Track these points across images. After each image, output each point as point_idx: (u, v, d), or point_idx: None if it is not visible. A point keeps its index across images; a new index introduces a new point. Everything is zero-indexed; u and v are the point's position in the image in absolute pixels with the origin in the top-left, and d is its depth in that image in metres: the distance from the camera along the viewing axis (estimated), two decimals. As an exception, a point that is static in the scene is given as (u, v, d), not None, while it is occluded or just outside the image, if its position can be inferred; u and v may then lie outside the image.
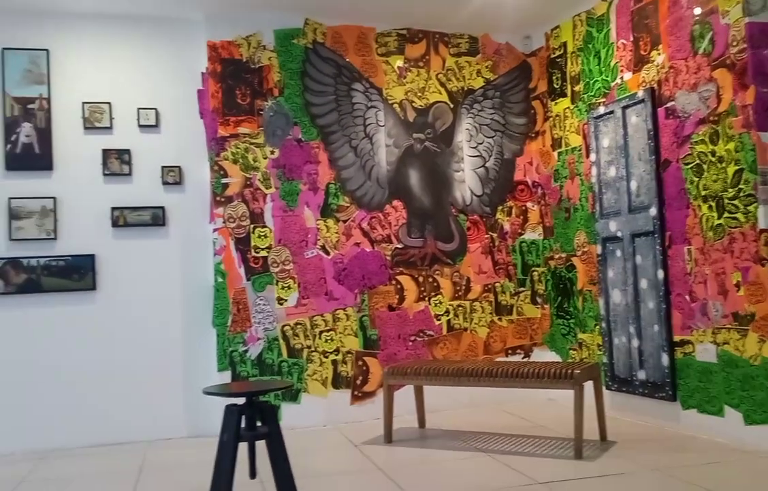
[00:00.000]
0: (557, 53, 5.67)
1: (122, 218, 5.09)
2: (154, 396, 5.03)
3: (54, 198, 4.98)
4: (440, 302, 5.58)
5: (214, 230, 5.14)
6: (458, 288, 5.64)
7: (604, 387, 4.54)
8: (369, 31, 5.56)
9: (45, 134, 5.01)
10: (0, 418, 4.77)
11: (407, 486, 3.61)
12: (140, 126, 5.18)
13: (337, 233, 5.37)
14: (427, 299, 5.56)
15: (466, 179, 5.73)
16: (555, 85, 5.72)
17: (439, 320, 5.57)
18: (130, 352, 5.02)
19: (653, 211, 4.60)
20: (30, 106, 5.00)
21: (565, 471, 3.76)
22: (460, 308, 5.64)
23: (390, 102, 5.57)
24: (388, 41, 5.61)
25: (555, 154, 5.72)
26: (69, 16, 5.08)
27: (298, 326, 5.23)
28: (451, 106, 5.72)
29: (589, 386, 4.16)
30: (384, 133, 5.54)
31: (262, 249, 5.21)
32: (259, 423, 2.75)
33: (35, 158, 4.98)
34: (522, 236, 5.84)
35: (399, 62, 5.62)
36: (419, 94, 5.65)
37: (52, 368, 4.89)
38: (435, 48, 5.72)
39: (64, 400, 4.88)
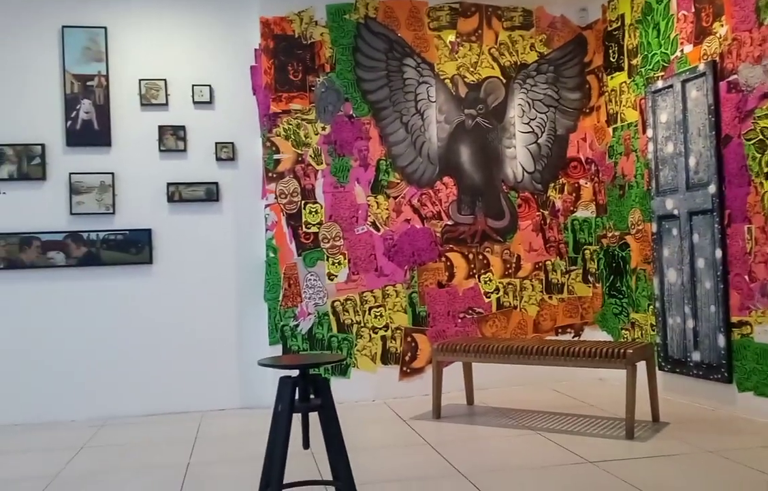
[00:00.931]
0: (614, 26, 5.53)
1: (177, 194, 5.19)
2: (209, 368, 5.15)
3: (112, 173, 5.10)
4: (490, 280, 5.55)
5: (266, 205, 5.21)
6: (508, 266, 5.60)
7: (657, 368, 4.46)
8: (421, 5, 5.51)
9: (103, 111, 5.13)
10: (62, 386, 4.96)
11: (457, 462, 3.63)
12: (195, 103, 5.26)
13: (387, 209, 5.38)
14: (476, 276, 5.53)
15: (518, 156, 5.66)
16: (611, 59, 5.59)
17: (488, 297, 5.54)
18: (185, 324, 5.14)
19: (712, 188, 4.47)
20: (89, 83, 5.12)
21: (617, 451, 3.72)
22: (510, 286, 5.60)
23: (441, 77, 5.52)
24: (440, 15, 5.56)
25: (610, 130, 5.60)
26: (126, -6, 5.18)
27: (348, 302, 5.27)
28: (504, 81, 5.65)
29: (641, 366, 4.10)
30: (435, 109, 5.51)
31: (313, 225, 5.26)
32: (312, 396, 2.79)
33: (94, 134, 5.11)
34: (574, 214, 5.76)
35: (451, 37, 5.56)
36: (471, 69, 5.59)
37: (110, 339, 5.05)
38: (488, 22, 5.64)
39: (123, 370, 5.04)
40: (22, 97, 5.03)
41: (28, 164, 5.00)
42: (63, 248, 5.01)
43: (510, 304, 5.58)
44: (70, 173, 5.05)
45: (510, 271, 5.60)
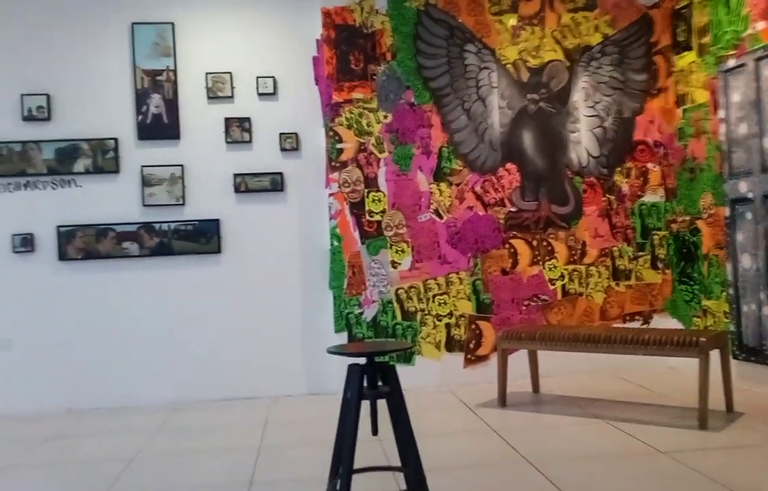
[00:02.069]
0: (682, 4, 5.36)
1: (244, 184, 5.31)
2: (276, 355, 5.26)
3: (182, 166, 5.25)
4: (555, 267, 5.49)
5: (330, 194, 5.27)
6: (573, 252, 5.52)
7: (731, 356, 4.33)
8: (482, -10, 5.46)
9: (172, 105, 5.27)
10: (138, 371, 5.15)
11: (524, 450, 3.62)
12: (259, 94, 5.35)
13: (450, 196, 5.37)
14: (541, 263, 5.47)
15: (583, 140, 5.56)
16: (679, 39, 5.42)
17: (553, 284, 5.48)
18: (253, 312, 5.26)
19: (789, 170, 4.30)
20: (158, 78, 5.27)
21: (689, 441, 3.64)
22: (576, 273, 5.52)
23: (503, 62, 5.47)
24: None
25: (679, 111, 5.45)
26: (192, -10, 5.31)
27: (412, 290, 5.29)
28: (567, 64, 5.55)
29: (715, 355, 3.99)
30: (497, 94, 5.46)
31: (377, 213, 5.29)
32: (380, 383, 2.82)
33: (164, 127, 5.26)
34: (642, 199, 5.62)
35: (512, 21, 5.49)
36: (533, 53, 5.51)
37: (182, 326, 5.21)
38: (550, 4, 5.54)
39: (195, 356, 5.20)
40: (95, 94, 5.21)
41: (103, 158, 5.19)
42: (136, 239, 5.19)
43: (576, 291, 5.51)
44: (142, 166, 5.21)
45: (575, 257, 5.52)
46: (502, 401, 4.62)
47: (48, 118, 5.14)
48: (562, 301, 5.49)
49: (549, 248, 5.49)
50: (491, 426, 4.13)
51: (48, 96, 5.14)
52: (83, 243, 5.14)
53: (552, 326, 4.97)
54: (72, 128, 5.17)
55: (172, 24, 5.28)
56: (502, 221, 5.43)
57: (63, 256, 5.13)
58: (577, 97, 5.55)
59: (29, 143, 5.12)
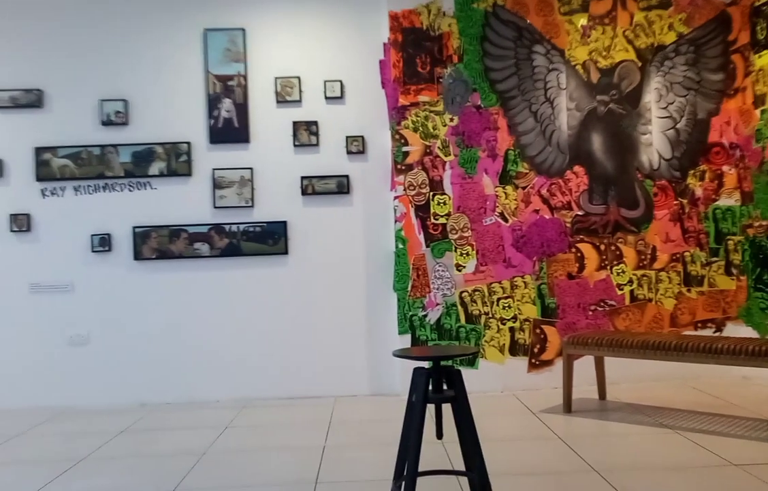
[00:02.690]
0: (762, 1, 5.17)
1: (311, 187, 5.40)
2: (340, 355, 5.33)
3: (251, 169, 5.38)
4: (623, 272, 5.37)
5: (395, 197, 5.30)
6: (643, 257, 5.39)
7: (811, 368, 4.15)
8: (550, -10, 5.40)
9: (242, 109, 5.41)
10: (206, 369, 5.30)
11: (590, 459, 3.56)
12: (326, 98, 5.43)
13: (515, 200, 5.33)
14: (608, 267, 5.37)
15: (654, 142, 5.42)
16: (759, 37, 5.23)
17: (621, 290, 5.37)
18: (318, 313, 5.35)
19: None
20: (229, 83, 5.41)
21: (764, 454, 3.51)
22: (645, 278, 5.39)
23: (572, 63, 5.39)
24: None
25: (757, 112, 5.25)
26: (262, -3, 5.43)
27: (476, 293, 5.28)
28: (639, 64, 5.42)
29: (794, 366, 3.83)
30: (565, 96, 5.38)
31: (441, 216, 5.30)
32: (445, 387, 2.83)
33: (234, 131, 5.40)
34: (716, 203, 5.45)
35: (583, 21, 5.41)
36: (604, 53, 5.41)
37: (250, 325, 5.33)
38: (622, 3, 5.43)
39: (262, 355, 5.32)
40: (170, 99, 5.39)
41: (176, 161, 5.36)
42: (207, 240, 5.34)
43: (645, 297, 5.38)
44: (214, 169, 5.36)
45: (645, 262, 5.39)
46: (568, 407, 4.56)
47: (125, 123, 5.35)
48: (631, 307, 5.37)
49: (617, 252, 5.38)
50: (556, 432, 4.08)
51: (125, 101, 5.35)
52: (157, 243, 5.33)
53: (620, 333, 4.87)
54: (148, 132, 5.36)
55: (243, 30, 5.41)
56: (568, 225, 5.35)
57: (138, 256, 5.33)
58: (649, 98, 5.42)
59: (108, 146, 5.33)
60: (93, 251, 5.32)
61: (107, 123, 5.34)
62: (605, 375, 4.87)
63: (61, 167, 5.32)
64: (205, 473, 3.61)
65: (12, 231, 5.30)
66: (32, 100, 5.31)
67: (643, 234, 5.40)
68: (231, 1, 5.41)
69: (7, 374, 5.26)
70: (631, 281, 5.37)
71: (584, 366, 4.91)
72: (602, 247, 5.37)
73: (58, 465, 3.78)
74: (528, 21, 5.37)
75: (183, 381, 5.30)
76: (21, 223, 5.29)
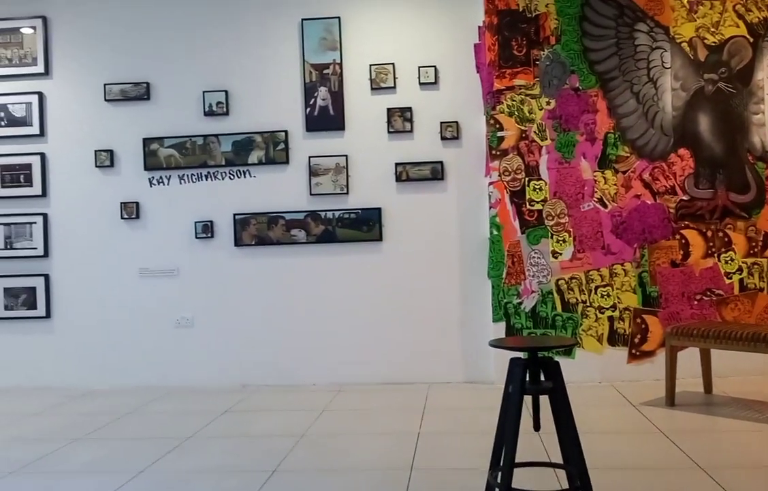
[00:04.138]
0: None
1: (405, 173, 5.41)
2: (434, 342, 5.34)
3: (346, 156, 5.44)
4: (732, 259, 5.11)
5: (490, 183, 5.24)
6: (754, 244, 5.11)
7: None
8: (654, -35, 5.16)
9: (338, 97, 5.48)
10: (303, 353, 5.44)
11: (695, 455, 3.42)
12: (421, 84, 5.42)
13: (615, 184, 5.16)
14: (716, 255, 5.12)
15: (767, 122, 5.11)
16: None
17: (729, 278, 5.11)
18: (412, 299, 5.37)
19: None
20: (325, 71, 5.49)
21: None
22: (756, 266, 5.10)
23: (678, 41, 5.14)
24: (675, -25, 5.17)
25: None
26: (357, -16, 5.46)
27: (573, 280, 5.15)
28: (751, 40, 5.11)
29: None
30: (670, 75, 5.15)
31: (537, 202, 5.19)
32: (542, 378, 2.79)
33: (330, 119, 5.48)
34: (837, 186, 5.09)
35: (688, -3, 5.15)
36: (712, 29, 5.13)
37: (345, 311, 5.42)
38: (732, -23, 5.14)
39: (357, 340, 5.40)
40: (268, 89, 5.53)
41: (274, 150, 5.50)
42: (304, 226, 5.46)
43: (756, 286, 5.10)
44: (310, 157, 5.47)
45: (756, 250, 5.10)
46: (671, 400, 4.39)
47: (226, 113, 5.53)
48: (740, 296, 5.10)
49: (725, 239, 5.12)
50: (658, 426, 3.94)
51: (226, 92, 5.53)
52: (256, 230, 5.49)
53: (728, 324, 4.64)
54: (247, 121, 5.53)
55: (339, 18, 5.46)
56: (672, 211, 5.13)
57: (238, 242, 5.51)
58: (762, 75, 5.10)
59: (210, 136, 5.53)
60: (197, 238, 5.55)
61: (209, 114, 5.54)
62: (711, 367, 4.65)
63: (167, 157, 5.56)
64: (303, 455, 3.71)
65: (123, 218, 5.60)
66: (140, 93, 5.58)
67: (754, 220, 5.11)
68: (327, -10, 5.48)
69: (119, 354, 5.58)
70: (740, 270, 5.10)
71: (688, 358, 4.72)
72: (709, 233, 5.12)
73: (167, 442, 3.99)
74: (630, -2, 5.16)
75: (281, 364, 5.45)
76: (131, 210, 5.58)
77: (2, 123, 5.66)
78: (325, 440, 3.97)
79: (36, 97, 5.65)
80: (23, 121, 5.65)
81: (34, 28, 5.64)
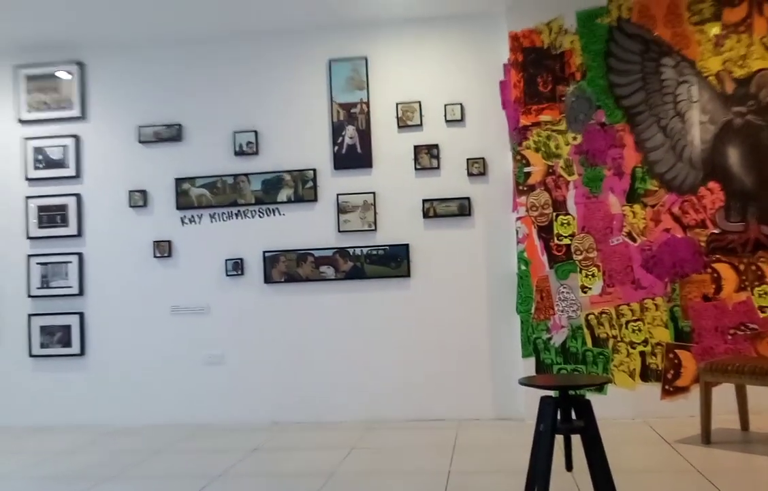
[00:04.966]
0: None
1: (432, 210, 5.44)
2: (463, 378, 5.32)
3: (373, 193, 5.50)
4: (766, 293, 5.02)
5: (517, 218, 5.25)
6: (788, 277, 5.03)
7: None
8: None
9: (365, 135, 5.55)
10: (334, 389, 5.45)
11: (732, 495, 3.36)
12: (447, 121, 5.47)
13: (644, 218, 5.13)
14: (749, 289, 5.04)
15: (799, 154, 5.06)
16: None
17: (764, 312, 5.02)
18: (441, 335, 5.37)
19: None
20: (352, 110, 5.57)
21: None
22: (791, 300, 5.02)
23: (704, 75, 5.13)
24: (702, 8, 5.17)
25: None
26: (384, 24, 5.54)
27: (603, 315, 5.11)
28: (779, 72, 5.09)
29: None
30: (698, 109, 5.13)
31: (565, 237, 5.18)
32: (574, 416, 2.77)
33: (357, 157, 5.55)
34: None
35: (715, 29, 5.14)
36: (739, 62, 5.12)
37: (374, 347, 5.44)
38: (758, 8, 5.12)
39: (386, 377, 5.40)
40: (296, 128, 5.62)
41: (303, 188, 5.57)
42: (332, 263, 5.50)
43: (791, 320, 5.01)
44: (338, 194, 5.53)
45: (790, 283, 5.02)
46: (706, 438, 4.31)
47: (256, 153, 5.63)
48: (776, 331, 5.01)
49: (759, 272, 5.04)
50: (694, 464, 3.87)
51: (256, 132, 5.63)
52: (285, 267, 5.55)
53: (763, 359, 4.55)
54: (276, 160, 5.62)
55: (366, 58, 5.56)
56: (703, 244, 5.08)
57: (268, 279, 5.57)
58: (792, 107, 5.06)
59: (240, 175, 5.63)
60: (227, 275, 5.62)
61: (239, 153, 5.64)
62: (747, 403, 4.56)
63: (198, 196, 5.66)
64: (333, 493, 3.71)
65: (155, 257, 5.70)
66: (173, 135, 5.71)
67: (788, 253, 5.03)
68: (354, 32, 5.57)
69: (150, 391, 5.64)
70: (774, 304, 5.02)
71: (723, 393, 4.63)
72: (741, 267, 5.05)
73: (197, 481, 4.01)
74: (655, 33, 5.18)
75: (311, 401, 5.47)
76: (163, 249, 5.68)
77: (40, 165, 5.83)
78: (355, 479, 3.96)
79: (72, 140, 5.81)
80: (60, 163, 5.81)
81: (71, 73, 5.82)
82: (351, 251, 5.49)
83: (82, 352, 5.74)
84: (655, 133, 5.17)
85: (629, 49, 5.21)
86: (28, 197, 5.83)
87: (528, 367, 5.12)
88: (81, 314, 5.75)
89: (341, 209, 5.52)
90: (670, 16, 5.18)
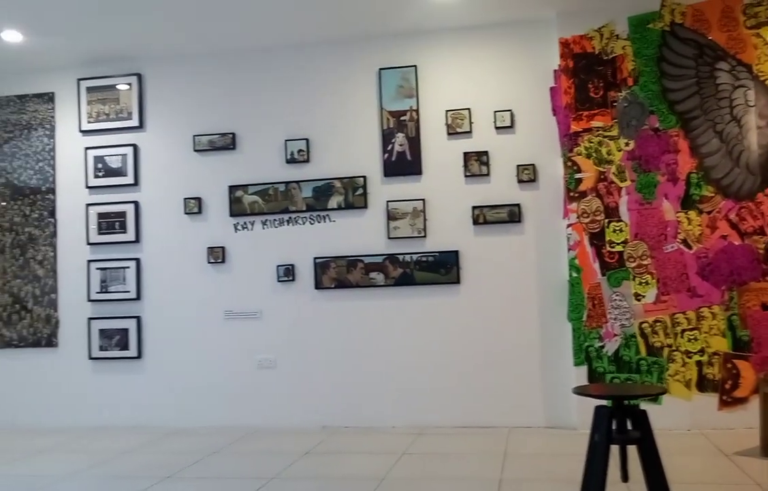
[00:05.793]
0: None
1: (482, 216, 5.44)
2: (513, 385, 5.30)
3: (423, 200, 5.52)
4: (828, 302, 4.89)
5: (568, 225, 5.21)
6: None
7: None
8: (735, 3, 5.07)
9: (415, 143, 5.58)
10: (382, 395, 5.49)
11: (794, 509, 3.28)
12: (497, 128, 5.47)
13: (700, 225, 5.04)
14: (810, 297, 4.91)
15: None
16: None
17: (826, 321, 4.88)
18: (491, 342, 5.36)
19: None
20: (402, 118, 5.61)
21: None
22: None
23: (762, 79, 5.02)
24: (758, 11, 5.05)
25: None
26: (433, 33, 5.57)
27: (658, 324, 5.03)
28: (842, 75, 4.95)
29: None
30: (755, 113, 5.02)
31: (618, 244, 5.12)
32: (629, 426, 2.75)
33: (407, 164, 5.58)
34: None
35: (773, 33, 5.03)
36: (799, 65, 4.99)
37: (423, 353, 5.46)
38: (819, 11, 4.99)
39: (435, 383, 5.42)
40: (347, 136, 5.69)
41: (353, 195, 5.63)
42: (382, 269, 5.55)
43: None
44: (387, 201, 5.57)
45: None
46: (766, 450, 4.21)
47: (307, 161, 5.72)
48: (839, 341, 4.86)
49: (820, 281, 4.91)
50: (753, 477, 3.79)
51: (307, 140, 5.72)
52: (336, 273, 5.61)
53: (826, 370, 4.43)
54: (327, 168, 5.69)
55: (415, 67, 5.59)
56: (762, 252, 4.96)
57: (318, 285, 5.64)
58: None
59: (291, 183, 5.72)
60: (279, 281, 5.71)
61: (291, 161, 5.73)
62: (809, 416, 4.44)
63: (251, 203, 5.78)
64: (385, 498, 3.74)
65: (209, 262, 5.83)
66: (227, 143, 5.84)
67: None
68: (403, 41, 5.62)
69: (205, 394, 5.77)
70: (837, 313, 4.88)
71: (783, 406, 4.52)
72: (802, 275, 4.92)
73: (252, 483, 4.09)
74: (710, 37, 5.09)
75: (361, 406, 5.52)
76: (217, 255, 5.81)
77: (100, 174, 6.02)
78: (406, 485, 3.99)
79: (131, 149, 5.99)
80: (119, 172, 6.00)
81: (129, 85, 6.01)
82: (401, 257, 5.53)
83: (139, 355, 5.90)
84: (710, 138, 5.08)
85: (683, 53, 5.13)
86: (88, 205, 6.03)
87: (580, 375, 5.07)
88: (138, 318, 5.92)
89: (391, 216, 5.56)
90: (724, 20, 5.08)
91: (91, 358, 5.97)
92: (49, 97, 6.15)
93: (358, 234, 5.61)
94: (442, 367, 5.42)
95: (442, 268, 5.47)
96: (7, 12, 5.01)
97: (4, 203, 6.16)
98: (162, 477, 4.30)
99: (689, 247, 5.04)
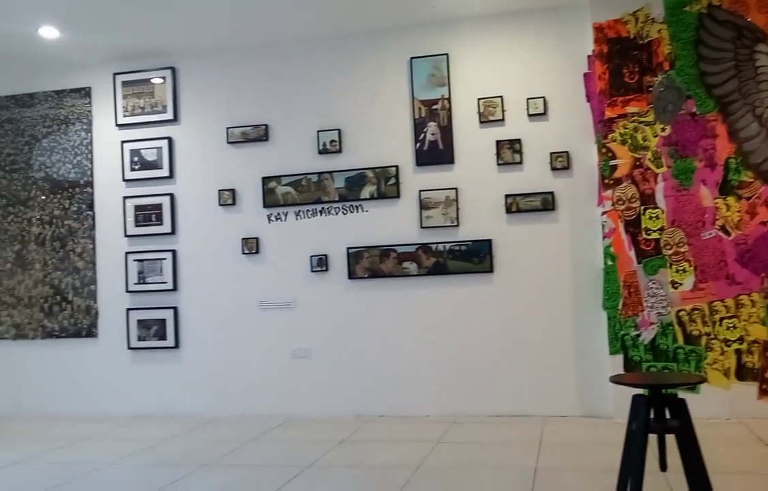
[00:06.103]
0: None
1: (515, 205, 5.41)
2: (548, 374, 5.27)
3: (456, 189, 5.51)
4: None
5: (603, 212, 5.15)
6: None
7: None
8: (775, -17, 4.96)
9: (447, 131, 5.57)
10: (418, 383, 5.51)
11: (838, 500, 3.22)
12: (529, 115, 5.42)
13: (739, 211, 4.94)
14: None
15: None
16: None
17: None
18: (525, 331, 5.34)
19: None
20: (434, 107, 5.60)
21: None
22: None
23: (804, 60, 4.90)
24: (800, -9, 4.94)
25: None
26: (465, 20, 5.54)
27: (695, 312, 4.96)
28: None
29: None
30: (796, 96, 4.91)
31: (654, 231, 5.06)
32: (668, 415, 2.72)
33: (439, 153, 5.57)
34: None
35: (815, 13, 4.90)
36: (843, 46, 4.86)
37: (457, 342, 5.46)
38: None
39: (469, 371, 5.42)
40: (378, 126, 5.69)
41: (385, 185, 5.64)
42: (415, 259, 5.55)
43: None
44: (420, 190, 5.57)
45: None
46: (807, 440, 4.14)
47: (339, 151, 5.74)
48: None
49: None
50: (795, 468, 3.73)
51: (339, 131, 5.74)
52: (369, 263, 5.63)
53: None
54: (359, 158, 5.71)
55: (447, 55, 5.57)
56: (803, 238, 4.86)
57: (352, 275, 5.67)
58: None
59: (324, 173, 5.75)
60: (312, 271, 5.75)
61: (323, 152, 5.76)
62: None
63: (284, 194, 5.82)
64: (420, 488, 3.76)
65: (244, 253, 5.89)
66: (260, 135, 5.88)
67: None
68: (434, 29, 5.59)
69: (240, 383, 5.84)
70: None
71: (826, 395, 4.44)
72: None
73: (288, 471, 4.14)
74: (748, 19, 4.97)
75: (395, 395, 5.54)
76: (251, 246, 5.87)
77: (136, 167, 6.12)
78: (442, 473, 4.00)
79: (166, 142, 6.07)
80: (155, 165, 6.09)
81: (164, 78, 6.09)
82: (434, 246, 5.53)
83: (177, 345, 6.00)
84: (750, 122, 4.97)
85: (721, 36, 5.03)
86: (125, 197, 6.13)
87: (616, 364, 5.03)
88: (175, 309, 6.01)
89: (424, 205, 5.56)
90: (764, 1, 4.96)
91: (129, 348, 6.08)
92: (85, 92, 6.26)
93: (391, 224, 5.62)
94: (476, 356, 5.41)
95: (475, 257, 5.45)
96: (44, 9, 5.11)
97: (44, 197, 6.29)
98: (200, 465, 4.37)
99: (728, 233, 4.96)
